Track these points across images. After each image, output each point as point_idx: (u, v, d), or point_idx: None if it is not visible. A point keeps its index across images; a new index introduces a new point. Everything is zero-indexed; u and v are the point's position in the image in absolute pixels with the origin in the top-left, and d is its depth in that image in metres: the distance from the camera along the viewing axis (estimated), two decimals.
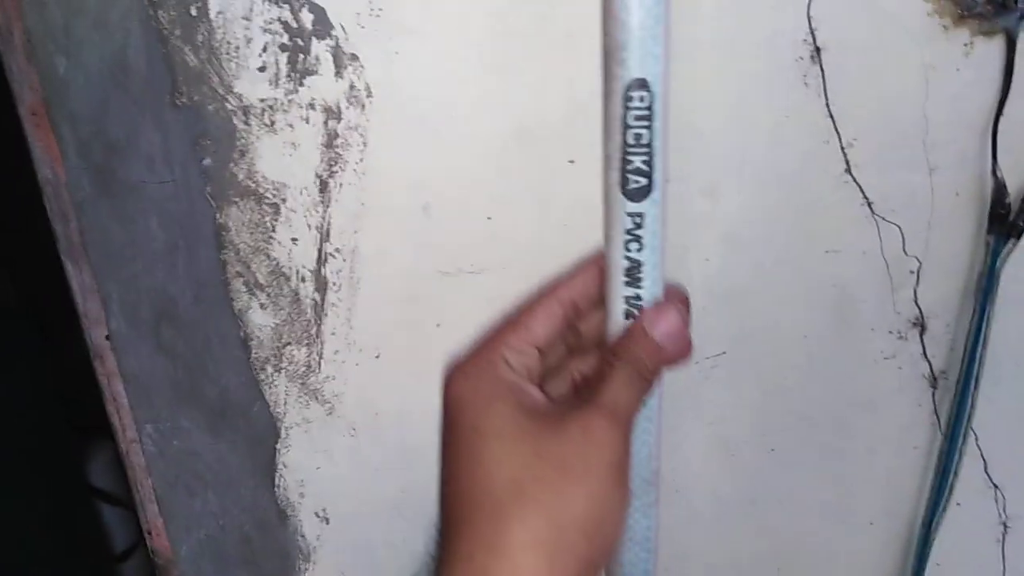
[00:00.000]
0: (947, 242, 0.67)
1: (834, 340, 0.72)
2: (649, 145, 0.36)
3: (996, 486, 0.73)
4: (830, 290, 0.70)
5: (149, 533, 1.03)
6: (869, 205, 0.67)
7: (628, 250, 0.37)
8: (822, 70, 0.63)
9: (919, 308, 0.69)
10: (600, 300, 0.38)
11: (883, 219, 0.67)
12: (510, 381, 0.34)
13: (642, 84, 0.36)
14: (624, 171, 0.37)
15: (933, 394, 0.72)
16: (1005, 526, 0.74)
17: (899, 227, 0.67)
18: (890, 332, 0.71)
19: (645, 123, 0.36)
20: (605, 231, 0.38)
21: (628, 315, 0.38)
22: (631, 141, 0.36)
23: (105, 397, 0.96)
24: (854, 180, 0.66)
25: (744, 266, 0.70)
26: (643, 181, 0.37)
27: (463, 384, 0.35)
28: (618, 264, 0.38)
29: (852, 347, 0.72)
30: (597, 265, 0.38)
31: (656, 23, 0.35)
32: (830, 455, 0.76)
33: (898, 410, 0.73)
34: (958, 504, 0.74)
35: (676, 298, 0.37)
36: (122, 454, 0.99)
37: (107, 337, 0.91)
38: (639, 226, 0.37)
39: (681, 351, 0.36)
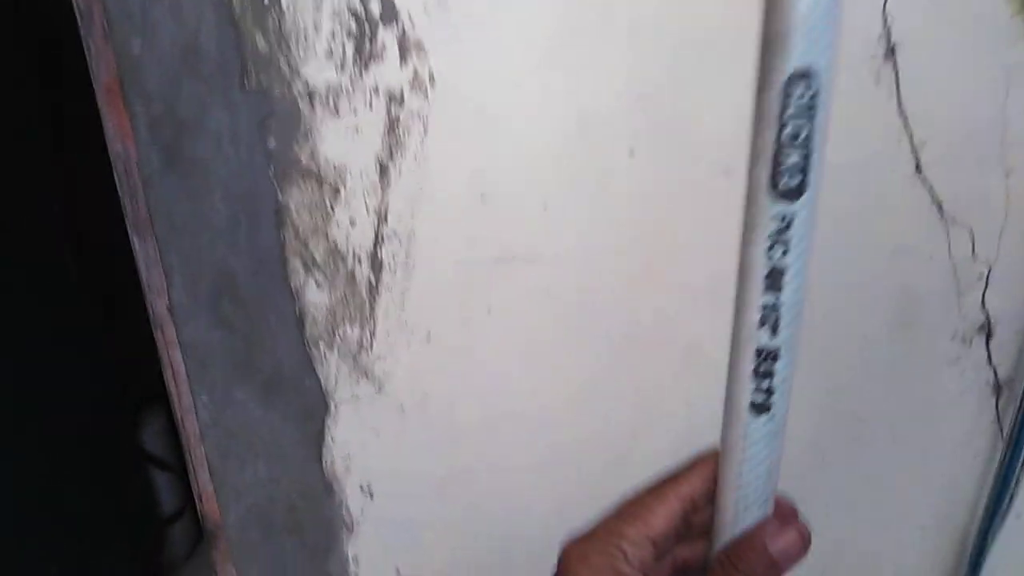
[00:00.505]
0: (1020, 247, 0.65)
1: (894, 342, 0.70)
2: (808, 141, 0.33)
3: None
4: (894, 291, 0.68)
5: (199, 498, 1.07)
6: (939, 206, 0.65)
7: (771, 255, 0.34)
8: (896, 68, 0.61)
9: (986, 313, 0.67)
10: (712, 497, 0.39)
11: (953, 221, 0.65)
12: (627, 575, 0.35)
13: (805, 75, 0.32)
14: (776, 168, 0.33)
15: (996, 402, 0.70)
16: None
17: (970, 230, 0.65)
18: (954, 337, 0.69)
19: (806, 117, 0.33)
20: (745, 232, 0.35)
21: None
22: (787, 137, 0.33)
23: (163, 365, 0.99)
24: (924, 180, 0.65)
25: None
26: (797, 180, 0.33)
27: (584, 569, 0.36)
28: (759, 268, 0.34)
29: (913, 350, 0.70)
30: (713, 462, 0.39)
31: (826, 9, 0.32)
32: (883, 459, 0.74)
33: (958, 417, 0.71)
34: (1018, 516, 0.72)
35: (790, 512, 0.39)
36: (177, 422, 1.02)
37: (168, 308, 0.94)
38: (787, 228, 0.33)
39: (792, 567, 0.37)
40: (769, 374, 0.36)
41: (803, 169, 0.33)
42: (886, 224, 0.67)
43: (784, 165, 0.33)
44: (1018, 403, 0.69)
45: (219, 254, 0.86)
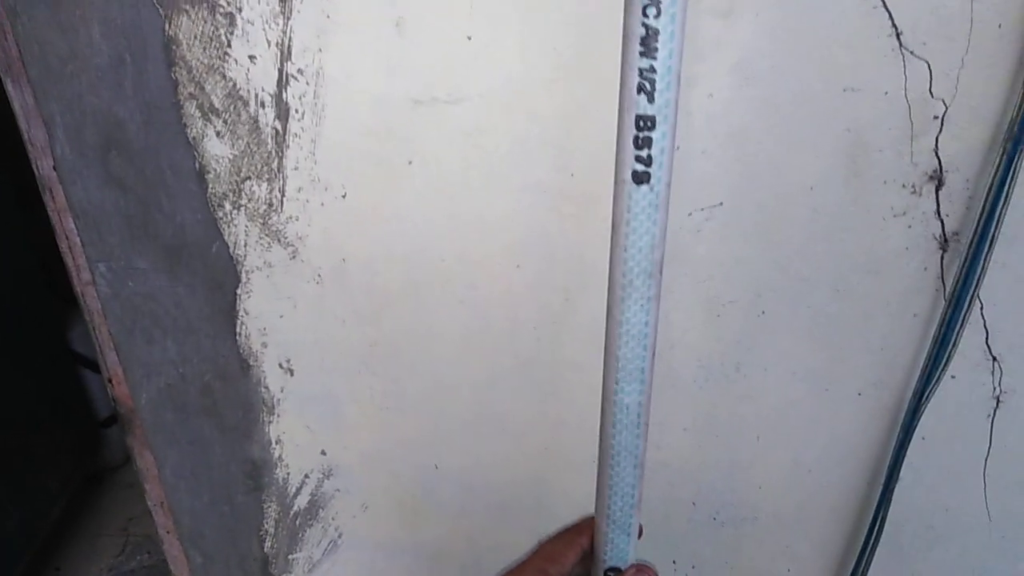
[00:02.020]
0: (980, 83, 0.60)
1: (842, 192, 0.65)
2: None
3: (995, 358, 0.69)
4: (844, 135, 0.63)
5: (110, 381, 1.00)
6: (898, 36, 0.59)
7: (645, 16, 0.36)
8: None
9: (939, 159, 0.63)
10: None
11: (911, 53, 0.59)
12: None
13: None
14: None
15: (942, 257, 0.66)
16: (998, 400, 0.71)
17: (928, 63, 0.60)
18: (904, 186, 0.64)
19: None
20: None
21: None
22: None
23: (57, 234, 0.89)
24: (884, 5, 0.58)
25: (753, 102, 0.62)
26: None
27: None
28: (635, 33, 0.36)
29: (860, 201, 0.65)
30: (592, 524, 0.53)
31: None
32: (823, 320, 0.71)
33: (902, 273, 0.68)
34: (952, 377, 0.70)
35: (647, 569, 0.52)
36: (79, 298, 0.94)
37: (54, 167, 0.84)
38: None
39: None
40: (648, 142, 0.38)
41: None
42: (840, 56, 0.60)
43: None
44: (963, 257, 0.65)
45: (103, 99, 0.76)
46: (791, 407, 0.76)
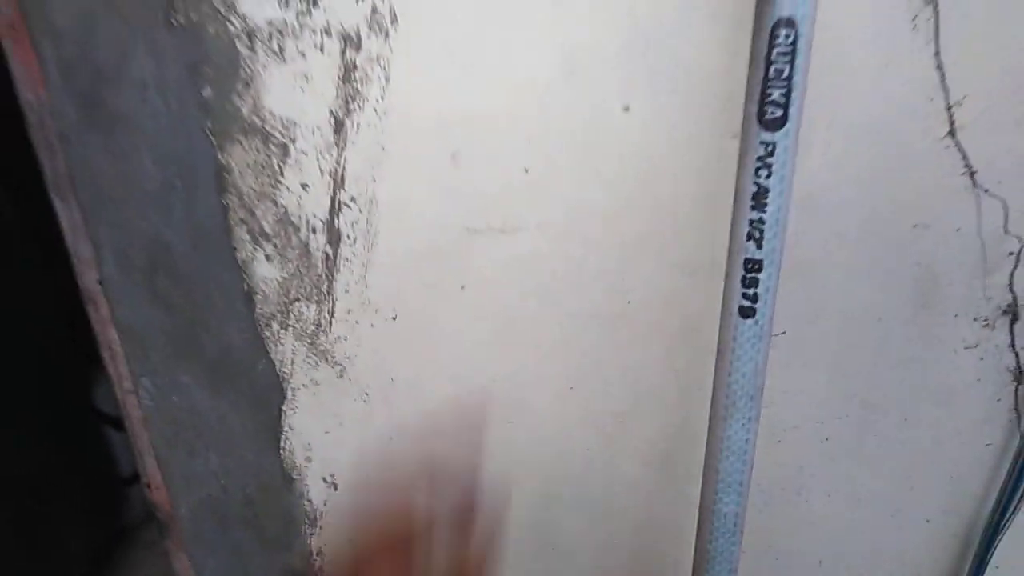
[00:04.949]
0: None
1: (912, 324, 0.63)
2: (789, 79, 0.40)
3: None
4: (914, 269, 0.61)
5: (148, 487, 0.98)
6: (971, 174, 0.58)
7: (757, 176, 0.41)
8: (936, 12, 0.53)
9: (1013, 294, 0.61)
10: None
11: (985, 191, 0.58)
12: None
13: (789, 22, 0.39)
14: (762, 103, 0.40)
15: (1016, 389, 0.64)
16: None
17: (1003, 201, 0.58)
18: (976, 319, 0.62)
19: (787, 58, 0.39)
20: (739, 159, 0.42)
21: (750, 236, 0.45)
22: (772, 75, 0.40)
23: (100, 343, 0.89)
24: (957, 145, 0.57)
25: (821, 234, 0.61)
26: (779, 112, 0.40)
27: None
28: (747, 190, 0.42)
29: (931, 333, 0.63)
30: None
31: None
32: (891, 447, 0.68)
33: (974, 404, 0.65)
34: None
35: None
36: (120, 404, 0.93)
37: (99, 282, 0.84)
38: (771, 154, 0.40)
39: None
40: (755, 282, 0.44)
41: (785, 104, 0.40)
42: (911, 192, 0.59)
43: (769, 99, 0.41)
44: None
45: (152, 223, 0.76)
46: (855, 532, 0.73)
